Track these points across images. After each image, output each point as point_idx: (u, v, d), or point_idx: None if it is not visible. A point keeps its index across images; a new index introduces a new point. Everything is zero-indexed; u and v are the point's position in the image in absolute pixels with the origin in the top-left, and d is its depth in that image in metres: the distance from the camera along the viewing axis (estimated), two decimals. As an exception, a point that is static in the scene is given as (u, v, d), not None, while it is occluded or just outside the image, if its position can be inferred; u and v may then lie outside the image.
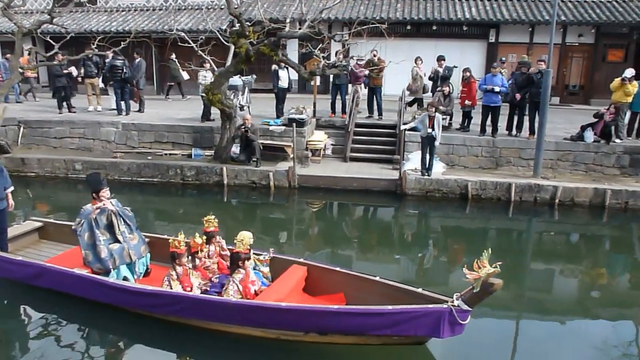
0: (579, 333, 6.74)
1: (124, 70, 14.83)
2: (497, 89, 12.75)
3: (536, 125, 12.38)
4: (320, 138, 13.83)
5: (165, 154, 13.63)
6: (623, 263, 9.73)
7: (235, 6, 12.23)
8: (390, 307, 5.27)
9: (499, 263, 4.80)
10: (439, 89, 13.82)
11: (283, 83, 14.76)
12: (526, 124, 13.15)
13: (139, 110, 15.72)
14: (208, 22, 15.10)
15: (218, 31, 13.59)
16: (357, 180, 12.27)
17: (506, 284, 8.19)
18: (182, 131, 13.90)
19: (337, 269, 6.62)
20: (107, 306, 6.38)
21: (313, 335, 5.63)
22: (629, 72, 12.87)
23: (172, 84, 19.23)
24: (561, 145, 12.75)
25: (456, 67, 15.11)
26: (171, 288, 6.03)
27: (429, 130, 11.53)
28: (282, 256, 6.98)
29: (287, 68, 14.25)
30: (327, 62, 12.56)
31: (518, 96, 12.79)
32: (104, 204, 6.49)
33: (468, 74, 13.61)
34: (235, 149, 12.84)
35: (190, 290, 6.09)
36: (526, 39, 19.62)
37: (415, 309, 5.21)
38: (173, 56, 17.92)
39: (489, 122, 13.15)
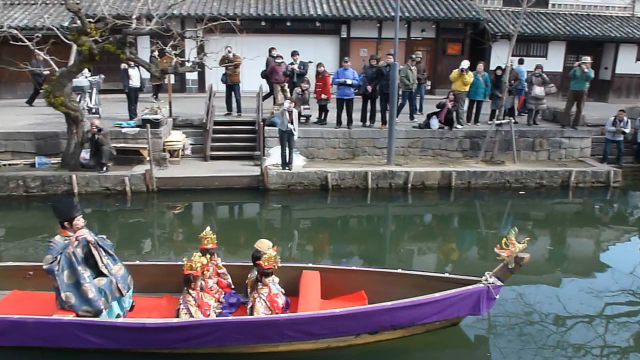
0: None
1: (-53, 74, 13.19)
2: (349, 81, 13.24)
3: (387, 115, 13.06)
4: (178, 138, 13.39)
5: (4, 165, 12.32)
6: (470, 236, 10.64)
7: (77, 1, 11.40)
8: (438, 294, 5.54)
9: (527, 239, 5.50)
10: (297, 88, 13.99)
11: (134, 82, 14.10)
12: (378, 115, 13.81)
13: (-30, 118, 14.10)
14: (46, 18, 13.94)
15: (58, 28, 12.57)
16: (218, 179, 12.07)
17: (369, 264, 8.62)
18: (22, 138, 12.64)
19: (354, 267, 6.66)
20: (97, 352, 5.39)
21: (364, 336, 5.65)
22: (465, 63, 14.13)
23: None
24: (410, 133, 13.62)
25: (311, 62, 15.46)
26: (191, 315, 5.50)
27: (288, 124, 11.67)
28: (288, 264, 6.62)
29: (138, 67, 13.61)
30: (181, 59, 12.18)
31: (369, 88, 13.41)
32: (81, 235, 5.39)
33: (322, 68, 13.96)
34: (85, 154, 11.99)
35: (209, 315, 5.63)
36: (375, 34, 20.59)
37: (461, 292, 5.60)
38: (155, 53, 15.57)
39: (344, 114, 13.62)
